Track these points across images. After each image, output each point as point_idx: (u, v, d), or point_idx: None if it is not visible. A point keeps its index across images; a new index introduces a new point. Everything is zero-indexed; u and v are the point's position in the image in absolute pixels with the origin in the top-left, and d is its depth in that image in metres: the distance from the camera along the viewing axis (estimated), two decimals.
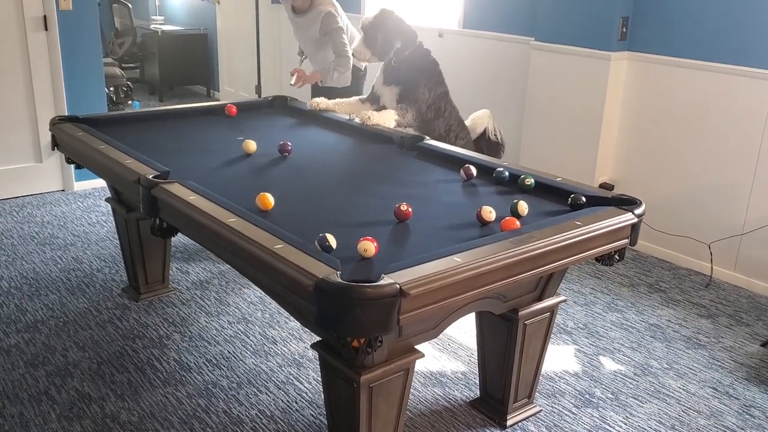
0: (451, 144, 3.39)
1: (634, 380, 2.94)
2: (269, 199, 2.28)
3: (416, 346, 2.01)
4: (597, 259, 2.29)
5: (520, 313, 2.36)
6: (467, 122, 3.75)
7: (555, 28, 4.33)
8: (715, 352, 3.19)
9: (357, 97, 3.81)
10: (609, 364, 3.06)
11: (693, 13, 3.85)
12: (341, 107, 3.70)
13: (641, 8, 4.06)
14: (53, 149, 3.34)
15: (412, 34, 3.55)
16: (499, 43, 4.83)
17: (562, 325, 3.36)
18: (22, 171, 4.84)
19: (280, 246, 1.89)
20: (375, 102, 3.70)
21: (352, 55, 3.83)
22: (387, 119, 3.43)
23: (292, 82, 4.15)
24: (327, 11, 4.12)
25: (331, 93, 4.12)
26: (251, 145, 2.94)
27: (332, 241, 1.92)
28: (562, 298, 2.51)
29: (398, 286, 1.64)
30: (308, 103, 3.74)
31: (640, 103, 4.16)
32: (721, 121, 3.81)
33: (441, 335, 2.24)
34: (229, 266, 3.55)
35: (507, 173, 2.65)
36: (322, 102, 3.68)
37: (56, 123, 3.25)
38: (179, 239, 4.07)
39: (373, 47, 3.53)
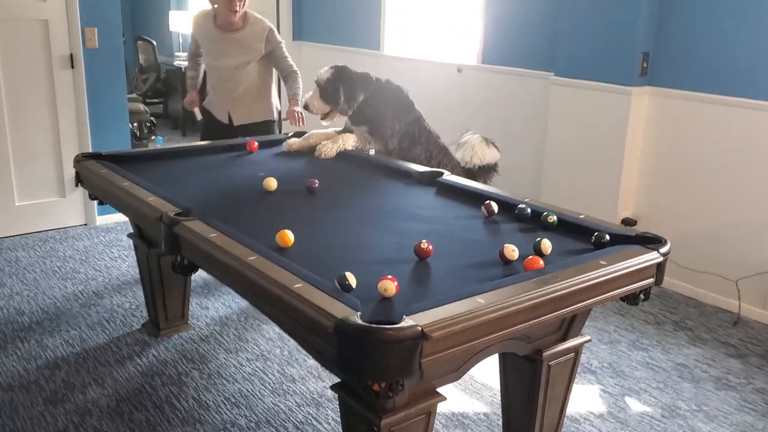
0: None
1: (662, 423, 2.87)
2: (289, 237, 2.27)
3: (438, 389, 1.97)
4: (622, 299, 2.24)
5: (544, 354, 2.31)
6: (458, 153, 3.69)
7: (575, 63, 4.32)
8: (746, 393, 3.10)
9: (333, 129, 3.76)
10: (635, 406, 2.98)
11: (714, 47, 3.83)
12: (317, 137, 3.67)
13: (662, 43, 4.05)
14: (77, 186, 3.37)
15: (368, 80, 3.60)
16: (519, 78, 4.83)
17: (586, 365, 3.29)
18: (46, 205, 4.89)
19: (299, 285, 1.87)
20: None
21: (305, 107, 3.72)
22: (347, 142, 3.55)
23: (297, 123, 4.02)
24: (269, 26, 4.09)
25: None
26: (272, 182, 2.95)
27: (352, 280, 1.90)
28: (586, 338, 2.46)
29: (420, 328, 1.61)
30: (283, 145, 3.70)
31: (663, 137, 4.13)
32: (746, 156, 3.76)
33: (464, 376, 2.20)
34: (248, 302, 3.53)
35: (529, 210, 2.62)
36: (294, 143, 3.66)
37: (80, 160, 3.28)
38: (199, 274, 4.07)
39: (334, 102, 3.57)
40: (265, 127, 4.22)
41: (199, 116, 4.46)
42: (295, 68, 4.16)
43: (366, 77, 3.60)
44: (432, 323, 1.65)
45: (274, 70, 4.21)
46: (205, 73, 4.33)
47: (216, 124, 4.24)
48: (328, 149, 3.53)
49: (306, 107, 3.68)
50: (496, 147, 3.69)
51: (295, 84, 4.11)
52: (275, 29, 4.14)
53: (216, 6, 4.00)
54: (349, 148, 3.56)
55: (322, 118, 3.67)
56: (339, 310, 1.71)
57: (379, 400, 1.75)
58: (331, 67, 3.61)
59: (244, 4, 3.98)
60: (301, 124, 4.01)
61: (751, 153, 3.75)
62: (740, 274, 3.83)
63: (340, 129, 3.75)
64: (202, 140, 4.25)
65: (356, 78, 3.58)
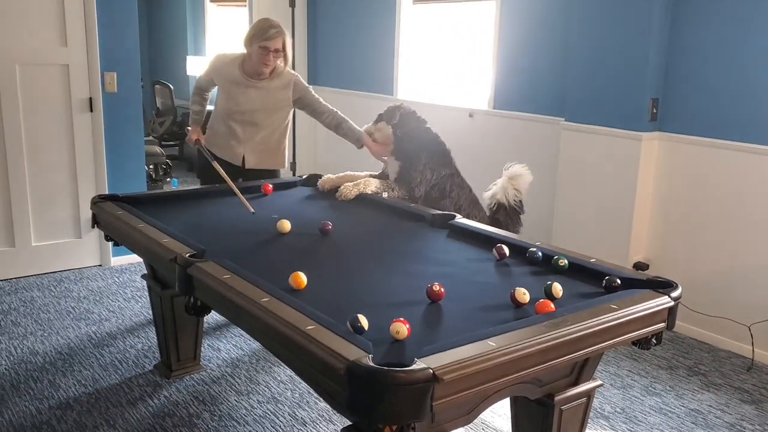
0: None
1: None
2: (302, 279, 2.30)
3: None
4: (634, 343, 2.24)
5: (555, 398, 2.30)
6: (487, 194, 3.71)
7: (585, 108, 4.38)
8: None
9: (367, 173, 3.81)
10: None
11: (723, 93, 3.87)
12: (350, 178, 3.73)
13: (671, 89, 4.10)
14: (93, 227, 3.42)
15: (416, 116, 3.76)
16: (530, 123, 4.89)
17: (599, 410, 3.26)
18: (61, 246, 4.94)
19: (311, 327, 1.89)
20: (386, 177, 3.78)
21: (372, 132, 3.80)
22: (367, 186, 3.59)
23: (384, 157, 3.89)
24: (296, 75, 4.05)
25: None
26: (285, 225, 2.98)
27: (364, 322, 1.92)
28: (598, 382, 2.45)
29: (431, 371, 1.62)
30: (318, 183, 3.79)
31: (674, 182, 4.15)
32: (757, 201, 3.77)
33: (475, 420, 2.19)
34: (259, 344, 3.54)
35: (540, 253, 2.64)
36: (327, 181, 3.73)
37: (97, 202, 3.34)
38: (211, 316, 4.09)
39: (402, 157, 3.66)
40: (273, 173, 4.22)
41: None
42: (331, 107, 4.10)
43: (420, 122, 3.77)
44: (443, 366, 1.66)
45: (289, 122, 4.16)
46: (208, 112, 4.29)
47: (210, 166, 3.98)
48: (348, 191, 3.57)
49: (375, 133, 3.75)
50: (517, 190, 3.68)
51: (347, 120, 4.05)
52: (301, 77, 4.11)
53: (248, 54, 3.89)
54: (369, 192, 3.59)
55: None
56: (351, 352, 1.73)
57: None
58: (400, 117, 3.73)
59: (279, 61, 3.90)
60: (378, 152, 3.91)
61: (761, 198, 3.76)
62: (753, 318, 3.81)
63: (376, 173, 3.83)
64: (199, 177, 4.26)
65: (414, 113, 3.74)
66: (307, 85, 4.13)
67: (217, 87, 4.15)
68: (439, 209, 3.51)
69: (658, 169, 4.20)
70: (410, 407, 1.62)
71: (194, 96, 4.28)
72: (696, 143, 4.01)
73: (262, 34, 3.77)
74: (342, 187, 3.62)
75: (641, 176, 4.17)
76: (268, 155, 4.13)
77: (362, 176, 3.76)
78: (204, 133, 4.17)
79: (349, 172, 3.80)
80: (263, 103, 3.99)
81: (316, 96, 4.12)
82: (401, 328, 1.87)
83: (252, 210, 3.35)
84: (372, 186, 3.62)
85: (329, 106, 4.13)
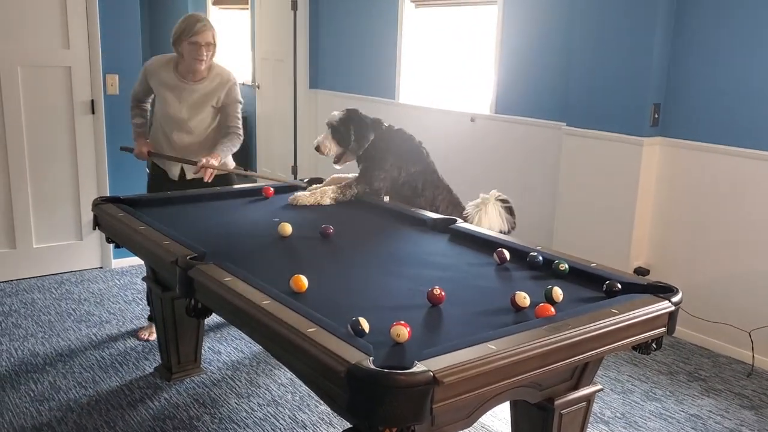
0: None
1: None
2: (303, 282, 2.30)
3: None
4: (634, 348, 2.24)
5: (555, 402, 2.30)
6: (471, 204, 3.57)
7: (587, 113, 4.38)
8: None
9: (354, 175, 3.69)
10: None
11: (725, 99, 3.88)
12: (333, 181, 3.68)
13: (673, 94, 4.11)
14: (94, 229, 3.43)
15: (379, 124, 3.65)
16: (531, 128, 4.90)
17: (599, 414, 3.26)
18: (63, 248, 4.95)
19: (312, 330, 1.89)
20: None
21: (316, 148, 3.64)
22: (323, 197, 3.51)
23: (206, 179, 3.69)
24: (234, 81, 3.84)
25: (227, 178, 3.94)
26: (287, 228, 2.99)
27: (365, 325, 1.92)
28: (598, 387, 2.45)
29: (432, 374, 1.63)
30: (289, 199, 3.54)
31: (675, 187, 4.15)
32: (758, 206, 3.78)
33: (474, 423, 2.19)
34: (260, 347, 3.54)
35: (541, 258, 2.64)
36: (301, 197, 3.51)
37: (98, 203, 3.34)
38: (212, 318, 4.09)
39: (345, 142, 3.59)
40: (222, 180, 3.88)
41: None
42: (240, 132, 3.86)
43: (377, 121, 3.65)
44: (444, 369, 1.66)
45: None
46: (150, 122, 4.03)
47: (162, 178, 3.94)
48: (304, 199, 3.48)
49: (318, 149, 3.65)
50: (510, 215, 3.51)
51: (230, 143, 3.81)
52: (238, 85, 3.89)
53: (180, 54, 3.73)
54: (327, 202, 3.50)
55: (335, 162, 3.71)
56: (352, 354, 1.73)
57: None
58: (344, 110, 3.67)
59: (212, 55, 3.76)
60: (208, 179, 3.70)
61: (762, 203, 3.76)
62: (754, 324, 3.81)
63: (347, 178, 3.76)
64: (150, 191, 4.00)
65: (367, 120, 3.63)
66: (239, 99, 3.88)
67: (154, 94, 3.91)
68: (415, 206, 3.53)
69: (660, 175, 4.21)
70: (410, 410, 1.62)
71: (133, 109, 3.98)
72: (698, 149, 4.02)
73: (189, 30, 3.65)
74: (297, 194, 3.50)
75: (642, 181, 4.17)
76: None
77: (350, 178, 3.69)
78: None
79: (336, 176, 3.76)
80: (198, 106, 3.79)
81: (237, 114, 3.86)
82: (402, 331, 1.87)
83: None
84: (328, 195, 3.51)
85: (239, 129, 3.85)
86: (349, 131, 3.58)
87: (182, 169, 3.91)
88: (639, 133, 4.13)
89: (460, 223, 3.16)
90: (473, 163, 5.24)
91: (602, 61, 4.26)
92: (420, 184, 3.59)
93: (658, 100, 4.13)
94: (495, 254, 2.70)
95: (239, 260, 2.55)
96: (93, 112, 4.88)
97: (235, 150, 3.85)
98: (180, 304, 3.24)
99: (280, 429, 3.07)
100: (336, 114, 3.65)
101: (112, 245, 3.50)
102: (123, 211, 3.21)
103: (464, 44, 5.55)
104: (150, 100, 3.99)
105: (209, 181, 3.72)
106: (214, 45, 3.75)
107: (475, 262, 2.73)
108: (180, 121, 3.81)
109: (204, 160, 3.65)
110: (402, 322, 1.89)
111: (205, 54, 3.69)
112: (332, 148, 3.64)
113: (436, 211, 3.50)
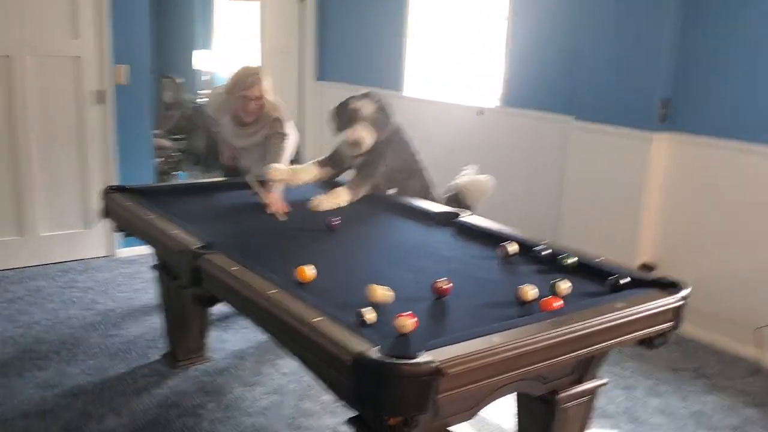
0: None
1: None
2: (309, 272, 2.31)
3: (452, 427, 1.98)
4: (639, 343, 2.25)
5: (559, 396, 2.31)
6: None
7: (595, 107, 4.37)
8: None
9: (312, 162, 3.63)
10: None
11: (734, 94, 3.87)
12: (298, 175, 3.54)
13: (682, 89, 4.09)
14: (103, 218, 3.44)
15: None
16: (539, 122, 4.89)
17: (602, 409, 3.27)
18: (69, 237, 4.97)
19: (318, 319, 1.90)
20: (336, 165, 3.65)
21: (353, 143, 3.45)
22: (340, 198, 3.38)
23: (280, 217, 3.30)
24: (276, 117, 3.92)
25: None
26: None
27: (371, 315, 1.93)
28: (602, 381, 2.46)
29: (436, 364, 1.64)
30: (311, 206, 3.30)
31: (683, 183, 4.14)
32: (766, 203, 3.77)
33: (478, 415, 2.20)
34: (265, 336, 3.55)
35: (547, 252, 2.64)
36: (324, 202, 3.33)
37: (108, 192, 3.36)
38: (218, 307, 4.10)
39: (380, 134, 3.48)
40: None
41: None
42: (280, 129, 3.90)
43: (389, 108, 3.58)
44: (448, 359, 1.67)
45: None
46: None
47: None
48: (326, 204, 3.32)
49: (356, 144, 3.43)
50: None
51: (275, 148, 3.85)
52: (284, 120, 3.93)
53: (232, 102, 3.93)
54: (343, 204, 3.39)
55: (357, 156, 3.52)
56: (357, 344, 1.74)
57: None
58: (362, 97, 3.53)
59: (262, 105, 3.90)
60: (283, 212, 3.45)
61: None
62: (760, 322, 3.80)
63: (322, 158, 3.65)
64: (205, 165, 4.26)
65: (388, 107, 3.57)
66: (284, 132, 3.89)
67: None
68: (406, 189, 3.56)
69: (668, 170, 4.20)
70: (414, 399, 1.63)
71: (213, 123, 4.38)
72: (706, 144, 4.01)
73: (242, 85, 3.86)
74: (319, 199, 3.33)
75: (650, 177, 4.16)
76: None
77: (309, 167, 3.59)
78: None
79: (292, 167, 3.61)
80: (253, 146, 4.06)
81: (282, 144, 3.85)
82: (406, 323, 1.88)
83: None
84: (344, 198, 3.40)
85: (281, 153, 3.82)
86: (388, 119, 3.50)
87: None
88: (648, 128, 4.12)
89: (465, 217, 3.16)
90: (480, 156, 5.22)
91: (611, 55, 4.25)
92: (399, 178, 3.59)
93: (668, 95, 4.12)
94: (498, 250, 2.69)
95: (246, 250, 2.56)
96: (102, 102, 4.89)
97: (283, 145, 3.83)
98: (187, 293, 3.25)
99: (284, 418, 3.09)
100: (363, 103, 3.46)
101: (119, 234, 3.54)
102: (131, 201, 3.22)
103: (473, 37, 5.54)
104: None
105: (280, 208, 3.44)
106: (265, 94, 3.92)
107: (480, 256, 2.73)
108: (243, 161, 4.16)
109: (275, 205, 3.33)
110: (408, 312, 1.90)
111: (254, 105, 3.91)
112: (370, 141, 3.46)
113: (425, 195, 3.53)
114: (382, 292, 2.13)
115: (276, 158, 3.72)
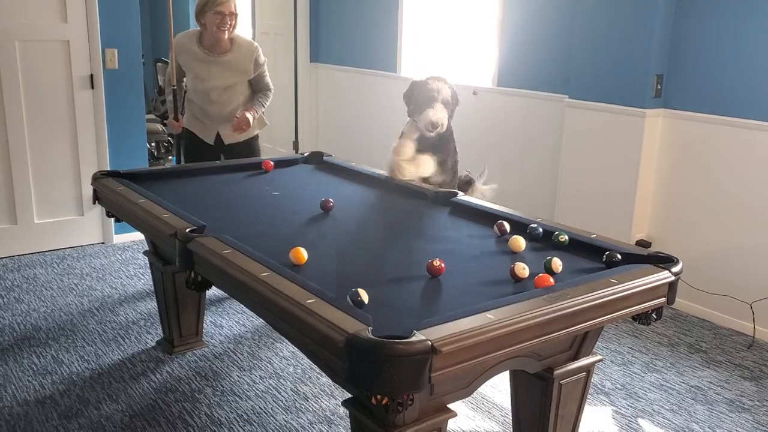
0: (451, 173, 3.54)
1: None
2: (302, 254, 2.30)
3: (449, 405, 1.98)
4: (634, 318, 2.24)
5: (555, 372, 2.31)
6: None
7: (589, 85, 4.35)
8: (759, 416, 3.08)
9: (408, 142, 3.46)
10: (648, 428, 2.96)
11: (728, 70, 3.84)
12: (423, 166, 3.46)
13: (676, 66, 4.07)
14: (94, 203, 3.42)
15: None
16: (533, 101, 4.86)
17: (599, 386, 3.28)
18: (64, 224, 4.95)
19: (311, 301, 1.90)
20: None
21: (434, 124, 3.38)
22: (424, 168, 3.39)
23: (240, 138, 4.09)
24: (256, 47, 4.06)
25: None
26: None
27: (364, 296, 1.92)
28: (598, 357, 2.46)
29: (430, 343, 1.63)
30: (389, 172, 3.42)
31: (677, 160, 4.13)
32: (761, 178, 3.76)
33: (474, 393, 2.21)
34: (262, 320, 3.55)
35: (541, 229, 2.63)
36: (405, 169, 3.36)
37: (98, 178, 3.34)
38: (214, 293, 4.10)
39: (452, 112, 3.50)
40: (251, 143, 4.21)
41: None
42: (271, 87, 4.20)
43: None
44: (442, 338, 1.66)
45: None
46: (184, 94, 4.24)
47: (200, 145, 4.18)
48: (409, 172, 3.34)
49: (434, 126, 3.37)
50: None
51: (265, 99, 4.14)
52: (260, 50, 4.12)
53: (203, 26, 3.95)
54: (427, 175, 3.39)
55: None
56: (351, 325, 1.73)
57: (388, 415, 1.76)
58: (438, 78, 3.46)
59: (234, 26, 3.94)
60: (244, 130, 4.00)
61: (766, 175, 3.74)
62: (755, 296, 3.81)
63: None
64: (187, 162, 4.18)
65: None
66: (263, 60, 4.12)
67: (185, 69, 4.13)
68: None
69: (662, 146, 4.18)
70: (409, 378, 1.62)
71: (168, 86, 4.29)
72: (700, 120, 3.99)
73: (214, 1, 3.84)
74: (398, 164, 3.31)
75: (645, 154, 4.15)
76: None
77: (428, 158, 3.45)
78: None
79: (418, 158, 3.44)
80: (228, 77, 4.02)
81: (266, 74, 4.16)
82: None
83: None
84: (430, 168, 3.38)
85: (269, 85, 4.19)
86: (456, 104, 3.52)
87: (218, 135, 4.14)
88: (641, 105, 4.10)
89: (461, 197, 3.15)
90: (475, 136, 5.20)
91: (604, 33, 4.22)
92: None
93: (661, 71, 4.09)
94: (495, 227, 2.69)
95: (238, 233, 2.55)
96: (92, 87, 4.85)
97: (267, 103, 4.16)
98: (181, 277, 3.24)
99: (281, 401, 3.09)
100: (438, 86, 3.40)
101: (113, 220, 3.53)
102: (122, 185, 3.20)
103: (466, 16, 5.49)
104: (184, 80, 4.19)
105: (246, 129, 3.97)
106: (237, 15, 3.93)
107: (476, 234, 2.72)
108: (215, 92, 4.02)
109: (239, 114, 3.94)
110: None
111: (229, 23, 3.88)
112: (446, 124, 3.43)
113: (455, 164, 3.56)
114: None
115: (259, 107, 4.09)
